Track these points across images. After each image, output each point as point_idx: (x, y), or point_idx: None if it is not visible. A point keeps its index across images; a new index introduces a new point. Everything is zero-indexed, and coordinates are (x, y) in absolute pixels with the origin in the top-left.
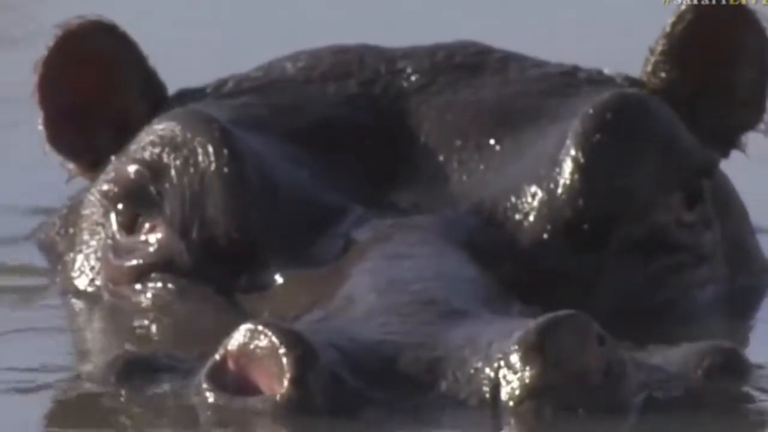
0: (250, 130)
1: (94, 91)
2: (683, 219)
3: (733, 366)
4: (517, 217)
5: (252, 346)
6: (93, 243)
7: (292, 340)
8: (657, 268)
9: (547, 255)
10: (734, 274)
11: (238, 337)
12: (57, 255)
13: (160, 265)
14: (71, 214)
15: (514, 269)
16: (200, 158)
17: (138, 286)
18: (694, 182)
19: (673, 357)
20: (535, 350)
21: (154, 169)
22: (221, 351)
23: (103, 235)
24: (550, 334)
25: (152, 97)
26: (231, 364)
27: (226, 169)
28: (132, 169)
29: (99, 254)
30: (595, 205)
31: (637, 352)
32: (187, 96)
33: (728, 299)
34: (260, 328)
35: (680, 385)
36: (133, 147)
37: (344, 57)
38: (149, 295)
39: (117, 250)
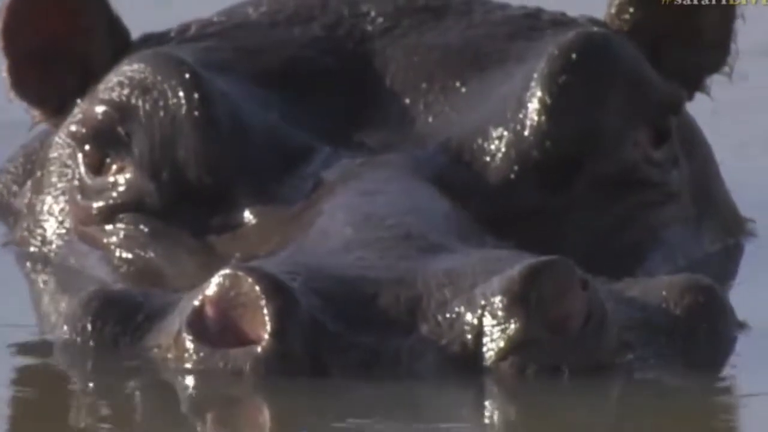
0: (217, 73)
1: (58, 36)
2: (651, 157)
3: (712, 305)
4: (485, 158)
5: (232, 293)
6: (61, 185)
7: (272, 287)
8: (626, 206)
9: (515, 195)
10: (700, 214)
11: (217, 283)
12: (14, 205)
13: (130, 205)
14: (34, 157)
15: (482, 209)
16: (170, 101)
17: (107, 227)
18: (661, 119)
19: (651, 290)
20: (519, 301)
21: (123, 111)
22: (200, 297)
23: (71, 176)
24: (535, 283)
25: (116, 42)
26: (210, 311)
27: (196, 112)
28: (100, 110)
29: (67, 196)
30: (562, 145)
31: (614, 284)
32: (151, 40)
33: (703, 261)
34: (240, 273)
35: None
36: (102, 88)
37: (307, 1)
38: (121, 235)
39: (85, 191)
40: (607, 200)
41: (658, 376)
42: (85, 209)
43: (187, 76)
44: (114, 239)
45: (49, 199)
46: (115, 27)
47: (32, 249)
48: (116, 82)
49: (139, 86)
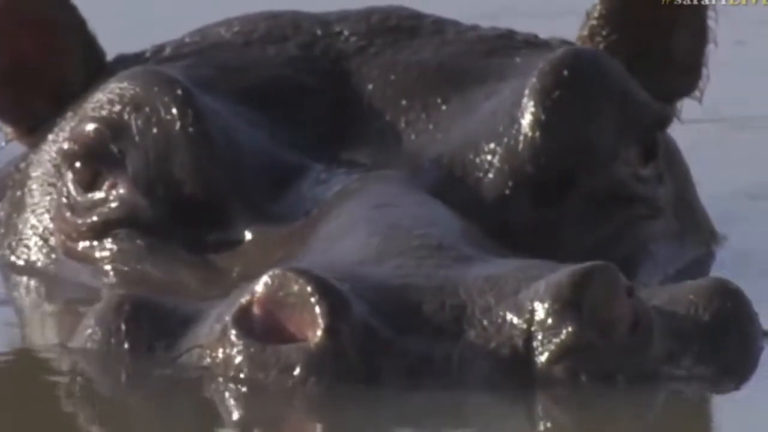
0: (201, 90)
1: (34, 54)
2: (640, 173)
3: (740, 309)
4: (478, 173)
5: (280, 293)
6: (45, 203)
7: (324, 286)
8: (615, 221)
9: (509, 209)
10: (683, 229)
11: (264, 282)
12: None
13: (124, 221)
14: (12, 178)
15: (477, 223)
16: (164, 118)
17: (100, 243)
18: (649, 136)
19: (678, 295)
20: (571, 305)
21: (115, 128)
22: (247, 296)
23: (56, 194)
24: (586, 287)
25: (92, 62)
26: (257, 310)
27: (191, 129)
28: (91, 127)
29: (52, 213)
30: (555, 160)
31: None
32: (126, 61)
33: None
34: (289, 274)
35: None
36: (90, 105)
37: (278, 21)
38: (116, 250)
39: (74, 207)
40: (597, 215)
41: (692, 383)
42: (74, 226)
43: (179, 93)
44: (107, 254)
45: (32, 218)
46: (90, 47)
47: (15, 267)
48: (106, 100)
49: (130, 103)
